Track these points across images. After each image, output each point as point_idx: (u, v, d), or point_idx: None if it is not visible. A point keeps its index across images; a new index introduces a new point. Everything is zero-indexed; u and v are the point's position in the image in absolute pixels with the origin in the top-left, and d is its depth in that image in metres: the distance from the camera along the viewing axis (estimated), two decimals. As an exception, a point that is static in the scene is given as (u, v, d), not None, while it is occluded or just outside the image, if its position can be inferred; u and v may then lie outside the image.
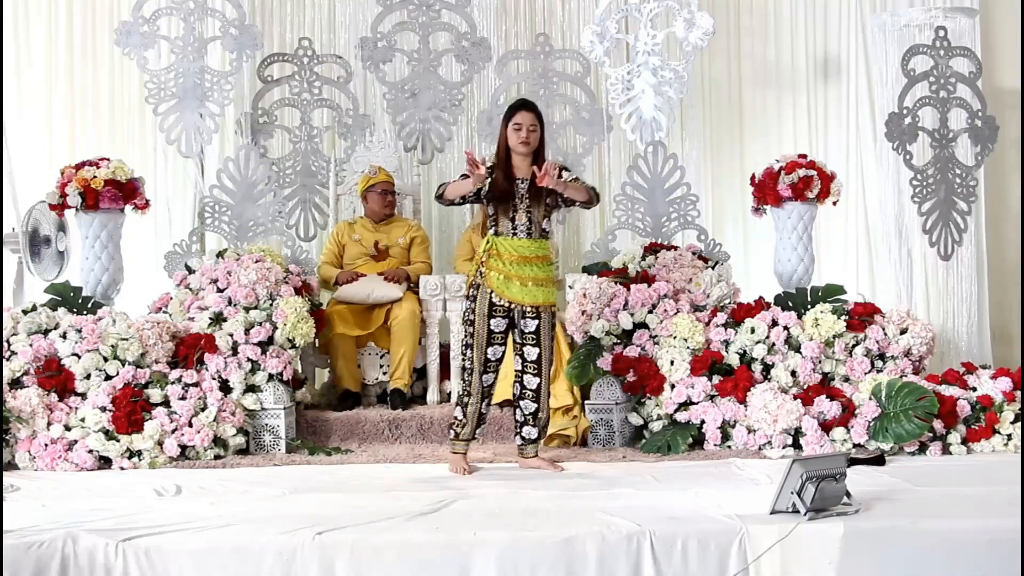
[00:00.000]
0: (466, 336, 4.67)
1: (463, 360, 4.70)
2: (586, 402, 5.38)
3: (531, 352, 4.68)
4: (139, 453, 4.87)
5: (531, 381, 4.71)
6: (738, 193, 7.10)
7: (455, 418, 4.73)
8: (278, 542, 3.36)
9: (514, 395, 4.79)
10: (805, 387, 5.18)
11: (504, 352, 4.71)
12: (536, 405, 4.73)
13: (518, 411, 4.77)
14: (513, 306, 4.63)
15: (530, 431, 4.77)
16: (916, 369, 5.40)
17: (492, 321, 4.62)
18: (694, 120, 7.21)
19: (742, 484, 4.27)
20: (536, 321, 4.65)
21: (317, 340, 5.82)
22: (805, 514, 3.46)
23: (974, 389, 5.28)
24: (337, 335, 5.79)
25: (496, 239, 4.64)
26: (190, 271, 5.84)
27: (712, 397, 5.18)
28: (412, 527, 3.52)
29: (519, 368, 4.72)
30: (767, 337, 5.33)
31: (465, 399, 4.68)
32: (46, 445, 4.82)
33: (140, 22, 6.24)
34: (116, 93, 7.05)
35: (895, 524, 3.49)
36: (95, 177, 5.63)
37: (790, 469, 3.50)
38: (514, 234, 4.63)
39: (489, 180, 4.59)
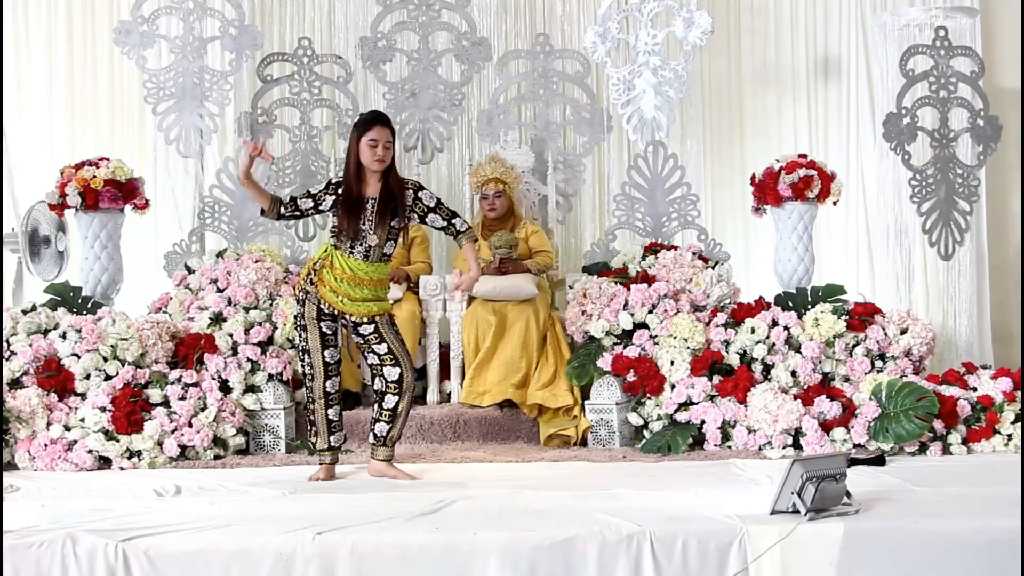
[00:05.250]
0: (301, 341, 4.47)
1: (302, 367, 4.53)
2: (586, 402, 5.38)
3: (380, 347, 4.46)
4: (139, 453, 4.87)
5: (391, 372, 4.47)
6: (738, 193, 7.09)
7: (309, 428, 4.64)
8: (278, 542, 3.35)
9: (375, 391, 4.55)
10: (805, 387, 5.17)
11: (340, 353, 4.53)
12: (397, 399, 4.48)
13: (375, 407, 4.53)
14: (340, 314, 4.43)
15: (383, 428, 4.51)
16: (916, 369, 5.40)
17: (323, 324, 4.45)
18: (694, 120, 7.20)
19: (742, 484, 4.27)
20: (371, 325, 4.44)
21: (317, 340, 5.81)
22: (805, 514, 3.45)
23: (974, 389, 5.28)
24: (337, 335, 5.78)
25: (335, 252, 4.41)
26: (190, 271, 5.84)
27: (712, 397, 5.18)
28: (412, 527, 3.51)
29: (376, 363, 4.48)
30: (767, 337, 5.32)
31: (311, 406, 4.53)
32: (46, 445, 4.81)
33: (139, 22, 6.24)
34: (116, 93, 7.05)
35: (895, 524, 3.49)
36: (95, 177, 5.64)
37: (790, 469, 3.50)
38: (351, 253, 4.39)
39: (338, 195, 4.42)
